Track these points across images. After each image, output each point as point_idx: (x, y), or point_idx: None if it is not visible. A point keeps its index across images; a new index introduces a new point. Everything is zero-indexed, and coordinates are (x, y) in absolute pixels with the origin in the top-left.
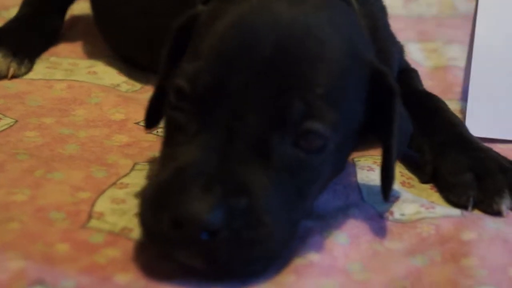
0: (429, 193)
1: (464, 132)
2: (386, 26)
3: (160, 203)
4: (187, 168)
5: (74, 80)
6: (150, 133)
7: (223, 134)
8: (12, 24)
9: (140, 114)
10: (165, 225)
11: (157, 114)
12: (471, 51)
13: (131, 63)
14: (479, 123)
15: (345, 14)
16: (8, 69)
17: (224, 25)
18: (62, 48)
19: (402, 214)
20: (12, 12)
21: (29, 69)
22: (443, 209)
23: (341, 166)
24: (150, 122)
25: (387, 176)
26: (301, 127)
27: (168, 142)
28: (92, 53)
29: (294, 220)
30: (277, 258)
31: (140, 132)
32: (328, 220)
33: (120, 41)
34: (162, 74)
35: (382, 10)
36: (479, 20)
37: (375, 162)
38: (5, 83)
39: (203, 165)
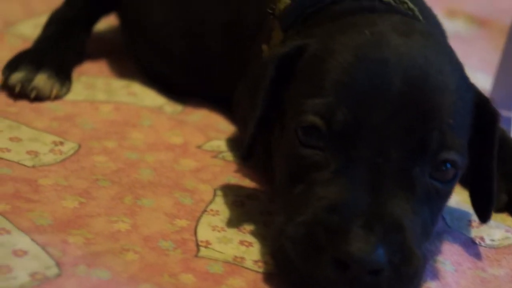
0: (503, 218)
1: None
2: None
3: (317, 243)
4: (341, 207)
5: (119, 102)
6: (216, 157)
7: (368, 170)
8: (44, 44)
9: (197, 137)
10: (324, 266)
11: (252, 145)
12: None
13: (166, 85)
14: None
15: (441, 39)
16: (51, 90)
17: (347, 59)
18: (88, 67)
19: (492, 240)
20: (20, 27)
21: (68, 89)
22: None
23: None
24: (248, 155)
25: (489, 199)
26: (438, 158)
27: (298, 179)
28: (121, 72)
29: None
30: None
31: (204, 156)
32: (428, 247)
33: (157, 63)
34: (260, 106)
35: (444, 33)
36: None
37: None
38: (50, 105)
39: (357, 204)
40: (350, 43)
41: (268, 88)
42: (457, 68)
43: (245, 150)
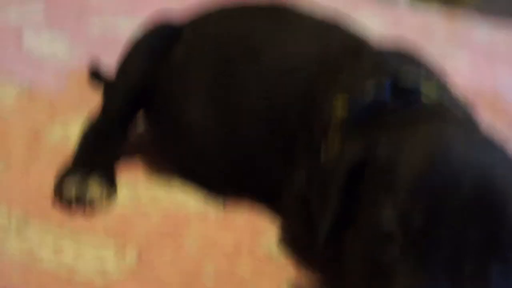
0: None
1: None
2: None
3: None
4: None
5: (164, 204)
6: (271, 258)
7: (443, 275)
8: (88, 148)
9: (246, 238)
10: None
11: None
12: None
13: (200, 182)
14: None
15: (499, 144)
16: (101, 195)
17: (418, 169)
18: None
19: None
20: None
21: (116, 192)
22: None
23: None
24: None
25: None
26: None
27: (374, 278)
28: (157, 169)
29: None
30: None
31: (260, 259)
32: None
33: (192, 160)
34: (333, 212)
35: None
36: None
37: None
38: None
39: None
40: (418, 154)
41: (340, 193)
42: None
43: (319, 251)
